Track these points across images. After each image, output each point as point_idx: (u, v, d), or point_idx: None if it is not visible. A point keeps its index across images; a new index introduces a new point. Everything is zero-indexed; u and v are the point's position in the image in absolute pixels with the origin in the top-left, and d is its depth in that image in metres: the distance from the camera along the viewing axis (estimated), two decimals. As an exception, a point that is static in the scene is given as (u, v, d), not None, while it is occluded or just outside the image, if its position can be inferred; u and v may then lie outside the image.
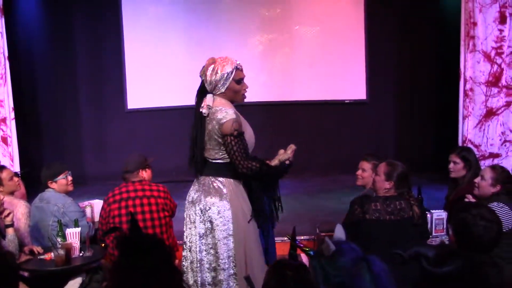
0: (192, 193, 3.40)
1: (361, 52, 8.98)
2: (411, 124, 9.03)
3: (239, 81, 3.32)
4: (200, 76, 3.34)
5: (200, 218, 3.28)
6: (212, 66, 3.27)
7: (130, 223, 2.69)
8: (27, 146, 7.70)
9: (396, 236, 3.50)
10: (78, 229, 4.05)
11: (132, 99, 9.02)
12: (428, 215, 4.18)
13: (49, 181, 4.46)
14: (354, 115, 9.16)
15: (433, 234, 4.19)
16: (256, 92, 9.12)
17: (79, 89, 9.10)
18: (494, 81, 6.55)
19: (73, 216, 4.31)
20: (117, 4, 8.92)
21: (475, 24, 6.49)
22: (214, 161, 3.31)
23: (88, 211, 4.80)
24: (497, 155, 6.58)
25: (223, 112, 3.21)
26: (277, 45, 9.16)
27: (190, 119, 3.41)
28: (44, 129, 8.91)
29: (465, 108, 6.61)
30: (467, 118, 6.61)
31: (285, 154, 3.37)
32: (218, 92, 3.30)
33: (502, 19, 6.45)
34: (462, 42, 6.55)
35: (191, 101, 3.41)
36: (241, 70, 3.35)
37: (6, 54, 6.80)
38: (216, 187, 3.27)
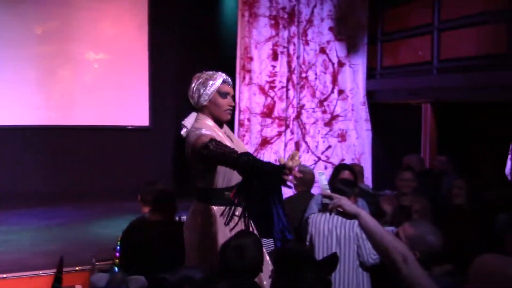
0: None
1: (145, 79, 9.04)
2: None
3: (224, 94, 3.08)
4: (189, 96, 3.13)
5: None
6: (199, 75, 3.12)
7: None
8: None
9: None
10: None
11: None
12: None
13: None
14: (137, 141, 9.12)
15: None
16: (33, 114, 8.63)
17: None
18: (268, 112, 7.05)
19: None
20: None
21: (251, 58, 6.95)
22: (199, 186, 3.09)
23: None
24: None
25: (193, 133, 2.92)
26: (56, 67, 8.75)
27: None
28: None
29: (240, 137, 6.99)
30: (243, 147, 7.00)
31: (294, 161, 3.05)
32: (201, 106, 3.09)
33: (275, 56, 7.02)
34: (237, 75, 6.95)
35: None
36: (229, 85, 3.14)
37: None
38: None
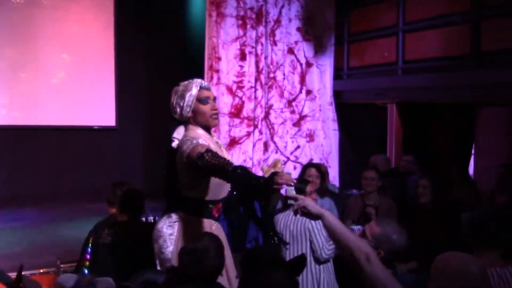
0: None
1: (111, 79, 8.95)
2: (159, 151, 9.17)
3: (204, 100, 3.04)
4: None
5: None
6: (176, 89, 3.09)
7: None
8: None
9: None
10: None
11: None
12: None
13: None
14: (103, 141, 9.01)
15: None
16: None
17: None
18: (236, 112, 7.03)
19: None
20: None
21: (219, 58, 6.91)
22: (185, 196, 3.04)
23: None
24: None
25: (189, 142, 2.84)
26: (20, 66, 8.58)
27: None
28: None
29: (210, 137, 6.94)
30: (212, 147, 6.97)
31: (277, 168, 2.98)
32: (186, 118, 3.07)
33: (242, 56, 7.00)
34: (205, 75, 6.91)
35: None
36: (207, 89, 3.09)
37: None
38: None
